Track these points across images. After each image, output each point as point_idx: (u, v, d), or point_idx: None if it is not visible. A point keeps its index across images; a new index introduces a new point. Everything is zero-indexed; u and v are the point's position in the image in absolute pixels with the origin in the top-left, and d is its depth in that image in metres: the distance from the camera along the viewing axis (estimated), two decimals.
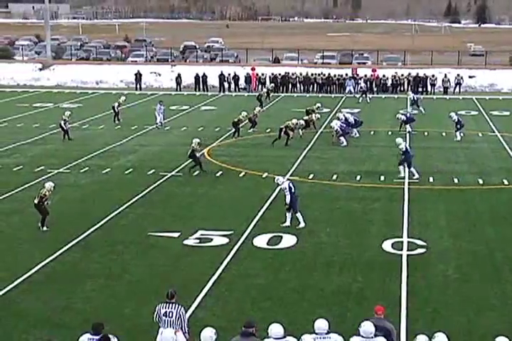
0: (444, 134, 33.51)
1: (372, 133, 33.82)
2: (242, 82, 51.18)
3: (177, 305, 11.62)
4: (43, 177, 24.51)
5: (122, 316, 13.93)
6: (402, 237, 18.61)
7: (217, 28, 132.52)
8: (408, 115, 34.36)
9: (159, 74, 55.61)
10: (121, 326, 13.17)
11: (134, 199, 22.21)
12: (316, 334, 10.60)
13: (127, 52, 70.91)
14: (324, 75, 50.54)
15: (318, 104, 37.26)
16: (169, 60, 63.58)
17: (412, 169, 24.69)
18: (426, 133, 33.72)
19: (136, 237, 18.69)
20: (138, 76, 51.46)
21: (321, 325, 10.66)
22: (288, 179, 21.31)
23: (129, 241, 18.41)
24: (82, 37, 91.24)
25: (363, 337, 10.54)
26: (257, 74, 51.48)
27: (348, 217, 20.61)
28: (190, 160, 25.94)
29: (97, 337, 10.57)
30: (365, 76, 49.53)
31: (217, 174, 25.65)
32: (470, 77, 52.83)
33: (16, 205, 21.66)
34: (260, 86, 50.63)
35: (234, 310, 14.18)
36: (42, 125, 35.72)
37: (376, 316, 11.20)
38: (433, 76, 49.99)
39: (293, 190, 19.35)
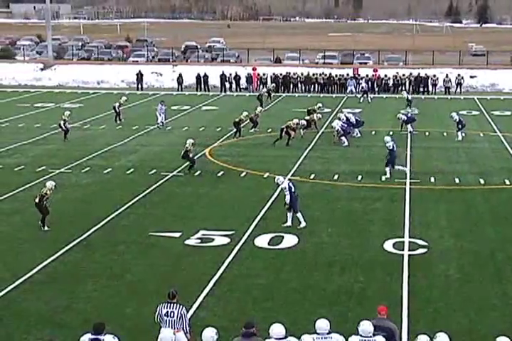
0: (445, 134, 33.51)
1: (373, 133, 33.81)
2: (243, 82, 51.21)
3: (178, 305, 11.62)
4: (45, 177, 24.50)
5: (123, 316, 13.93)
6: (403, 237, 18.61)
7: (218, 28, 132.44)
8: (409, 115, 34.37)
9: (160, 74, 55.61)
10: (122, 326, 13.17)
11: (135, 199, 22.22)
12: (317, 334, 10.60)
13: (128, 52, 70.92)
14: (325, 75, 50.54)
15: (320, 104, 37.28)
16: (170, 60, 63.52)
17: (388, 168, 24.80)
18: (427, 133, 33.71)
19: (137, 237, 18.69)
20: (139, 76, 51.48)
21: (322, 325, 10.65)
22: (288, 179, 21.29)
23: (131, 241, 18.42)
24: (83, 37, 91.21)
25: (361, 336, 10.54)
26: (259, 74, 51.50)
27: (349, 217, 20.61)
28: (186, 160, 25.96)
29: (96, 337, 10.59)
30: (367, 76, 49.51)
31: (219, 174, 25.66)
32: (471, 77, 52.81)
33: (18, 205, 21.67)
34: (261, 86, 50.66)
35: (235, 310, 14.18)
36: (43, 125, 35.72)
37: (379, 316, 11.20)
38: (434, 76, 49.99)
39: (293, 190, 19.35)
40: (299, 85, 50.83)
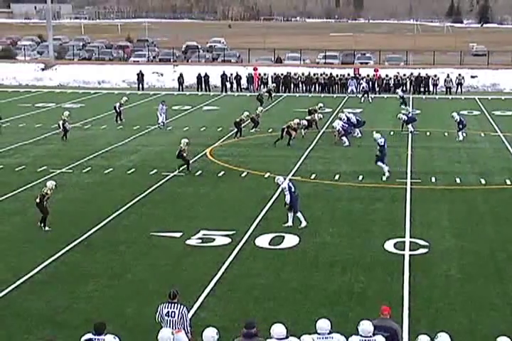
0: (446, 134, 33.50)
1: (374, 133, 33.70)
2: (244, 82, 51.23)
3: (179, 305, 11.61)
4: (45, 177, 24.50)
5: (124, 316, 13.93)
6: (404, 237, 18.61)
7: (219, 28, 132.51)
8: (410, 115, 34.37)
9: (161, 74, 55.63)
10: (123, 326, 13.18)
11: (136, 199, 22.22)
12: (318, 334, 10.59)
13: (129, 52, 70.94)
14: (326, 75, 50.54)
15: (321, 104, 37.28)
16: (171, 60, 63.54)
17: (381, 164, 24.88)
18: (428, 133, 33.71)
19: (138, 237, 18.70)
20: (140, 76, 51.51)
21: (323, 324, 10.64)
22: (288, 179, 21.29)
23: (131, 241, 18.42)
24: (84, 37, 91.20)
25: (361, 336, 10.54)
26: (259, 74, 51.52)
27: (350, 217, 20.61)
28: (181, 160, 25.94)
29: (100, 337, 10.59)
30: (368, 76, 49.49)
31: (220, 174, 25.66)
32: (472, 76, 52.81)
33: (18, 205, 21.67)
34: (262, 86, 50.67)
35: (236, 310, 14.18)
36: (44, 125, 35.73)
37: (382, 316, 11.18)
38: (435, 76, 50.01)
39: (293, 190, 19.36)
40: (300, 85, 50.84)
